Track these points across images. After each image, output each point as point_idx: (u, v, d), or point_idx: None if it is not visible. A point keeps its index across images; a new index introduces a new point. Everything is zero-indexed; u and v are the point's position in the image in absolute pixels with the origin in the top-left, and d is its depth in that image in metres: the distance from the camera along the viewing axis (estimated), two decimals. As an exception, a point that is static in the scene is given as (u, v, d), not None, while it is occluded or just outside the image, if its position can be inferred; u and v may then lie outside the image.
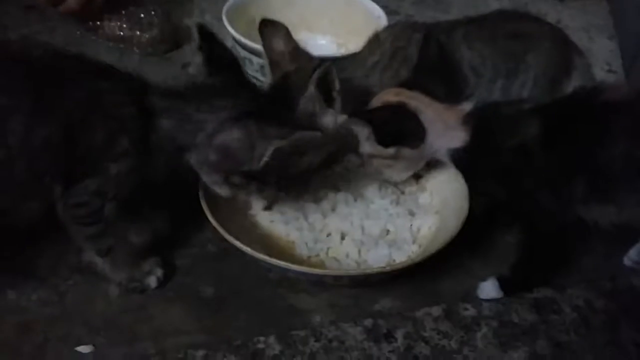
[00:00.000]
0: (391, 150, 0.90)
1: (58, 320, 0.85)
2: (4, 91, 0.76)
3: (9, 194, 0.79)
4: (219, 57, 0.87)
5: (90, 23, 1.30)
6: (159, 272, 0.90)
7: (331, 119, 0.87)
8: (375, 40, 1.02)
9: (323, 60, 1.03)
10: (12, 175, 0.77)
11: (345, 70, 1.00)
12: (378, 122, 0.87)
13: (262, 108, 0.82)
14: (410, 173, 0.96)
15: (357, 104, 0.95)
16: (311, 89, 0.87)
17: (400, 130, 0.87)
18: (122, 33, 1.30)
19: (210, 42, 0.87)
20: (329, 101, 0.88)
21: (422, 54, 0.94)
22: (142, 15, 1.31)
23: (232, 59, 0.88)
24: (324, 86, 0.86)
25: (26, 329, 0.84)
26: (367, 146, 0.90)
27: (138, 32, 1.30)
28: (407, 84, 0.92)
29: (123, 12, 1.30)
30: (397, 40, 1.01)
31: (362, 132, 0.89)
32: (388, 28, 1.08)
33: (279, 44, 0.97)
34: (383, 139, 0.88)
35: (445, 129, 0.87)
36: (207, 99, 0.82)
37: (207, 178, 0.85)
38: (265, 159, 0.78)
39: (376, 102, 0.90)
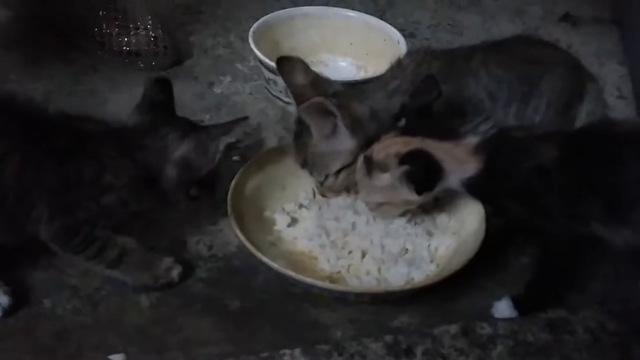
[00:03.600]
0: (423, 196, 0.92)
1: (91, 328, 0.88)
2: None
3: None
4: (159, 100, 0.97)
5: (98, 38, 1.32)
6: (179, 267, 0.94)
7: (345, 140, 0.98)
8: (397, 66, 1.06)
9: (345, 84, 1.07)
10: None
11: (368, 93, 1.03)
12: (415, 172, 0.88)
13: (198, 126, 0.97)
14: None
15: (379, 126, 0.98)
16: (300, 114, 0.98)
17: (426, 176, 0.90)
18: (127, 48, 1.32)
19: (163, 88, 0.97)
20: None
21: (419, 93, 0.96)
22: (147, 30, 1.33)
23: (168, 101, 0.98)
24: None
25: (61, 336, 0.87)
26: (408, 196, 0.91)
27: (146, 48, 1.32)
28: (408, 129, 0.94)
29: (130, 26, 1.32)
30: (418, 67, 1.04)
31: (403, 184, 0.90)
32: (410, 54, 1.11)
33: (299, 78, 1.02)
34: (420, 188, 0.90)
35: (458, 165, 0.90)
36: (153, 130, 0.93)
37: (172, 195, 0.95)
38: (218, 155, 0.95)
39: (382, 152, 0.91)
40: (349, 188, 1.03)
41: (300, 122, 1.00)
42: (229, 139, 1.15)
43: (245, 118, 1.02)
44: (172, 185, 0.94)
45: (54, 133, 0.88)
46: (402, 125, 0.93)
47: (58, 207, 0.87)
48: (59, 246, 0.88)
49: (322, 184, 1.02)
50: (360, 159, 0.93)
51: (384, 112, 1.00)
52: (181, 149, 0.92)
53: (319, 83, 1.03)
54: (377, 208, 0.97)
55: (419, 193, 0.90)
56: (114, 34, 1.32)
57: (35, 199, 0.86)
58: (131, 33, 1.32)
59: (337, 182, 1.01)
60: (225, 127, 0.97)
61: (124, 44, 1.32)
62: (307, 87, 1.01)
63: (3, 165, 0.83)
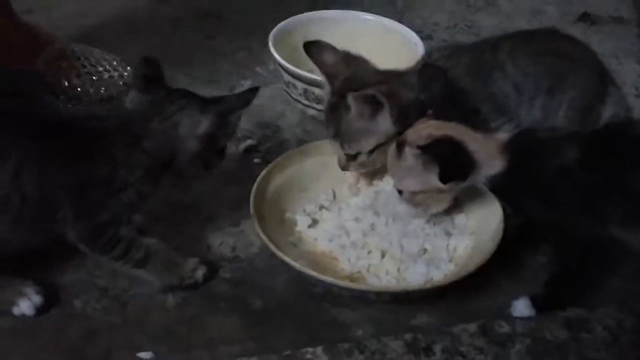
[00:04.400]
0: (449, 186, 0.92)
1: (120, 328, 0.91)
2: (16, 148, 0.86)
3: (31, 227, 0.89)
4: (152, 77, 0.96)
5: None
6: (203, 268, 0.96)
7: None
8: (428, 59, 1.07)
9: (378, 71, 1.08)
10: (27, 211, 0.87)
11: (408, 81, 1.04)
12: (439, 158, 0.89)
13: (209, 99, 0.96)
14: (449, 203, 0.99)
15: (411, 112, 0.99)
16: (351, 102, 0.98)
17: (454, 163, 0.90)
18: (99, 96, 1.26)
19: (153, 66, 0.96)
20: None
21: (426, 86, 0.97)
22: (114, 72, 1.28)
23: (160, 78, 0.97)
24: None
25: (91, 335, 0.90)
26: (434, 182, 0.91)
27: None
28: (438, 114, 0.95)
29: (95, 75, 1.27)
30: (447, 60, 1.05)
31: (432, 169, 0.90)
32: (440, 49, 1.13)
33: (329, 57, 1.04)
34: (445, 175, 0.90)
35: (487, 159, 0.90)
36: (159, 112, 0.92)
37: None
38: (238, 123, 0.97)
39: (415, 135, 0.92)
40: (377, 169, 1.05)
41: (338, 95, 1.02)
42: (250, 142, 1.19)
43: (257, 88, 0.99)
44: (190, 160, 0.94)
45: (65, 136, 0.89)
46: (431, 114, 0.94)
47: (81, 209, 0.89)
48: (87, 246, 0.91)
49: (352, 157, 1.03)
50: (393, 145, 0.94)
51: (416, 101, 1.01)
52: (204, 125, 0.92)
53: (350, 59, 1.06)
54: (412, 199, 0.96)
55: (442, 179, 0.90)
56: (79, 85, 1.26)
57: (58, 202, 0.88)
58: (96, 79, 1.26)
59: (369, 160, 1.03)
60: (243, 99, 0.96)
61: (94, 93, 1.26)
62: (338, 64, 1.05)
63: (21, 173, 0.85)
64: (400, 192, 0.97)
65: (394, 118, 0.99)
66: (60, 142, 0.89)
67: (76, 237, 0.90)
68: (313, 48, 1.06)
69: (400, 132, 0.97)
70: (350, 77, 1.03)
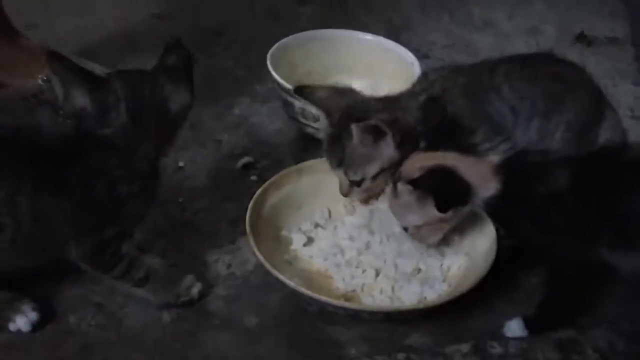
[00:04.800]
0: (450, 214, 0.93)
1: (115, 344, 0.92)
2: (8, 169, 0.86)
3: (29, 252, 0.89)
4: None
5: None
6: (199, 285, 0.97)
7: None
8: (424, 81, 1.09)
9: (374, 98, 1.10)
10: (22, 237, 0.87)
11: (405, 105, 1.06)
12: (431, 188, 0.90)
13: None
14: (445, 232, 1.00)
15: (412, 136, 1.01)
16: (354, 132, 0.98)
17: (449, 191, 0.91)
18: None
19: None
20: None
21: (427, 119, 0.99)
22: None
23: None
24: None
25: (86, 351, 0.90)
26: (432, 212, 0.92)
27: None
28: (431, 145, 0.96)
29: None
30: (444, 81, 1.07)
31: (428, 201, 0.91)
32: (437, 70, 1.15)
33: (321, 93, 1.06)
34: (441, 204, 0.91)
35: (481, 182, 0.92)
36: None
37: None
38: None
39: (408, 169, 0.94)
40: (380, 193, 1.06)
41: (340, 126, 1.03)
42: (247, 159, 1.20)
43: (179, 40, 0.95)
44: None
45: (58, 158, 0.88)
46: (423, 147, 0.96)
47: (83, 228, 0.89)
48: (88, 265, 0.91)
49: (357, 184, 1.04)
50: (390, 186, 0.96)
51: (417, 124, 1.03)
52: (186, 96, 0.92)
53: (340, 91, 1.09)
54: (417, 233, 0.97)
55: (439, 208, 0.91)
56: None
57: (57, 225, 0.88)
58: None
59: (373, 185, 1.04)
60: (183, 55, 0.93)
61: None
62: (331, 98, 1.07)
63: (18, 199, 0.85)
64: (405, 229, 0.98)
65: (396, 144, 1.01)
66: (54, 165, 0.88)
67: (78, 256, 0.90)
68: (304, 90, 1.09)
69: (402, 158, 0.99)
70: (348, 107, 1.04)
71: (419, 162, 0.93)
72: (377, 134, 1.00)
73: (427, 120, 0.97)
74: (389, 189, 0.97)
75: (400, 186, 0.93)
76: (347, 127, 1.01)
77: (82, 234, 0.89)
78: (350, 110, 1.05)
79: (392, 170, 1.01)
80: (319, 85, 1.11)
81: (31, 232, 0.87)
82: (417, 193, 0.92)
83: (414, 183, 0.90)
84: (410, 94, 1.08)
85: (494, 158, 0.93)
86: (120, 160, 0.90)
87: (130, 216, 0.91)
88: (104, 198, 0.89)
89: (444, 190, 0.91)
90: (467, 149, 1.00)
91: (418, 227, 0.97)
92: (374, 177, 1.03)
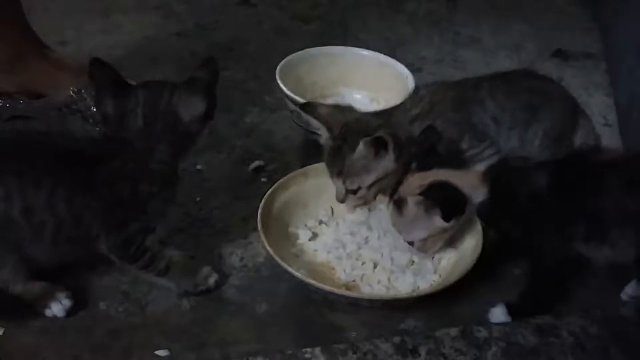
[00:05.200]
0: (453, 222, 0.95)
1: (140, 328, 0.93)
2: (47, 172, 0.87)
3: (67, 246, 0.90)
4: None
5: None
6: (215, 275, 0.98)
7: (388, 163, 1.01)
8: (416, 96, 1.11)
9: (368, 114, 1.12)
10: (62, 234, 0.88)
11: (397, 120, 1.09)
12: (437, 200, 0.92)
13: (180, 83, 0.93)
14: (444, 241, 1.01)
15: (404, 149, 1.03)
16: (361, 146, 1.00)
17: (451, 202, 0.92)
18: None
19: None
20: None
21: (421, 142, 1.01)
22: None
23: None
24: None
25: (114, 334, 0.92)
26: (439, 223, 0.94)
27: None
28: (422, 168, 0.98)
29: None
30: (433, 96, 1.09)
31: (434, 212, 0.93)
32: (427, 86, 1.17)
33: (323, 110, 1.07)
34: (446, 214, 0.93)
35: (472, 190, 0.94)
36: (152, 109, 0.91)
37: None
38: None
39: (407, 189, 0.95)
40: (371, 201, 1.08)
41: (340, 139, 1.05)
42: (258, 162, 1.22)
43: (213, 58, 0.97)
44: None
45: (87, 162, 0.89)
46: (414, 168, 0.98)
47: (111, 225, 0.91)
48: (117, 257, 0.93)
49: (353, 192, 1.05)
50: (390, 206, 0.98)
51: (407, 135, 1.06)
52: (200, 106, 0.92)
53: (340, 109, 1.10)
54: (422, 246, 0.99)
55: (445, 218, 0.93)
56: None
57: (89, 222, 0.89)
58: None
59: (368, 193, 1.05)
60: (212, 71, 0.94)
61: None
62: (333, 114, 1.08)
63: (57, 200, 0.86)
64: (411, 243, 0.99)
65: (395, 156, 1.02)
66: (85, 167, 0.89)
67: (108, 249, 0.92)
68: (308, 107, 1.11)
69: (395, 169, 1.02)
70: (347, 123, 1.06)
71: (416, 182, 0.95)
72: (378, 146, 1.01)
73: (422, 144, 0.98)
74: (390, 209, 0.99)
75: (410, 200, 0.94)
76: (346, 140, 1.03)
77: (110, 230, 0.91)
78: (349, 125, 1.06)
79: (385, 181, 1.03)
80: (321, 103, 1.12)
81: (68, 229, 0.88)
82: (425, 204, 0.93)
83: (424, 195, 0.92)
84: (402, 109, 1.10)
85: (480, 166, 0.95)
86: (138, 162, 0.91)
87: (152, 213, 0.92)
88: (127, 197, 0.90)
89: (447, 201, 0.92)
90: (456, 155, 1.02)
91: (424, 240, 0.98)
92: (369, 187, 1.05)
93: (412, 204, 0.94)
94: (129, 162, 0.90)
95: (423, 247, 0.99)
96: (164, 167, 0.92)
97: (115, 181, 0.90)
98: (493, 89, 1.09)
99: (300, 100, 1.23)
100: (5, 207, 0.85)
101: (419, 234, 0.97)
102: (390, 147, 1.01)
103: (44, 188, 0.86)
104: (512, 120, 1.07)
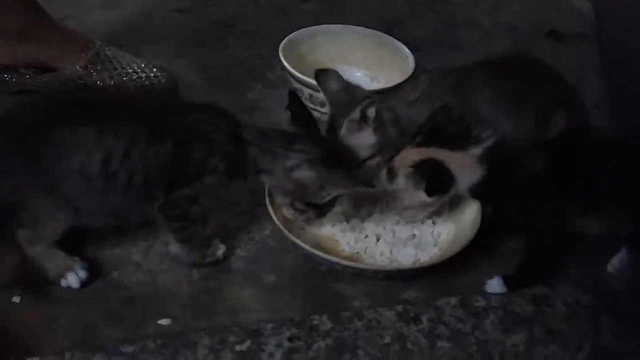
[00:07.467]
0: (435, 199, 0.98)
1: (152, 297, 0.96)
2: (128, 122, 0.89)
3: (129, 199, 0.92)
4: (300, 115, 1.02)
5: None
6: (223, 247, 1.01)
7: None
8: (415, 80, 1.14)
9: (372, 92, 1.15)
10: (132, 185, 0.90)
11: (392, 101, 1.11)
12: (425, 176, 0.95)
13: (331, 156, 0.96)
14: (429, 212, 1.06)
15: (400, 130, 1.06)
16: (356, 113, 1.02)
17: (437, 180, 0.96)
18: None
19: (296, 104, 1.02)
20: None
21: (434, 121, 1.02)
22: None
23: (309, 117, 1.02)
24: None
25: (128, 303, 0.95)
26: (423, 197, 0.98)
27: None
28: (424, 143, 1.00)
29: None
30: (433, 82, 1.12)
31: (421, 186, 0.97)
32: (426, 72, 1.20)
33: (333, 85, 1.09)
34: (431, 190, 0.97)
35: (465, 171, 0.97)
36: (289, 142, 0.96)
37: (280, 199, 1.01)
38: (328, 198, 0.97)
39: (401, 161, 0.98)
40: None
41: (332, 119, 1.08)
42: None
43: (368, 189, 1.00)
44: (279, 192, 0.99)
45: (172, 122, 0.91)
46: (418, 140, 1.00)
47: (173, 182, 0.92)
48: (164, 215, 0.94)
49: None
50: (384, 170, 1.01)
51: (405, 119, 1.08)
52: (301, 172, 0.94)
53: (349, 89, 1.12)
54: (402, 212, 1.03)
55: (429, 194, 0.96)
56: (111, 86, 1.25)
57: (155, 177, 0.90)
58: (126, 80, 1.26)
59: (372, 168, 1.07)
60: (348, 183, 0.96)
61: None
62: (340, 92, 1.10)
63: (133, 152, 0.88)
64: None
65: (373, 128, 1.04)
66: (167, 127, 0.90)
67: (159, 207, 0.93)
68: (322, 75, 1.12)
69: (381, 149, 1.04)
70: (345, 103, 1.08)
71: (410, 156, 0.98)
72: (360, 123, 1.04)
73: (432, 120, 1.01)
74: (382, 175, 1.01)
75: (402, 171, 0.97)
76: (337, 120, 1.06)
77: (169, 187, 0.91)
78: (345, 105, 1.08)
79: (373, 159, 1.06)
80: (338, 76, 1.12)
81: (137, 182, 0.89)
82: (414, 178, 0.96)
83: (415, 168, 0.95)
84: (401, 94, 1.13)
85: (477, 149, 0.98)
86: (227, 139, 0.93)
87: (205, 186, 0.94)
88: (195, 162, 0.92)
89: (433, 179, 0.95)
90: (457, 136, 1.05)
91: (404, 209, 1.02)
92: (364, 161, 1.06)
93: (402, 175, 0.97)
94: (219, 134, 0.92)
95: (402, 214, 1.04)
96: (231, 148, 0.93)
97: (196, 144, 0.91)
98: (487, 73, 1.11)
99: (303, 77, 1.25)
100: (82, 158, 0.86)
101: (401, 203, 1.01)
102: (370, 122, 1.03)
103: (124, 138, 0.87)
104: (506, 104, 1.10)
